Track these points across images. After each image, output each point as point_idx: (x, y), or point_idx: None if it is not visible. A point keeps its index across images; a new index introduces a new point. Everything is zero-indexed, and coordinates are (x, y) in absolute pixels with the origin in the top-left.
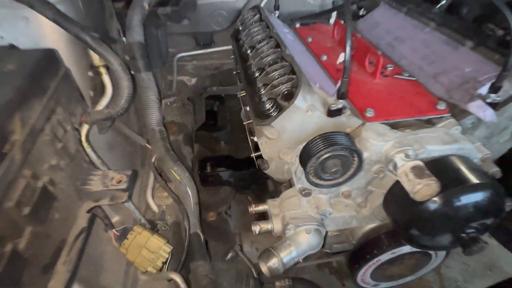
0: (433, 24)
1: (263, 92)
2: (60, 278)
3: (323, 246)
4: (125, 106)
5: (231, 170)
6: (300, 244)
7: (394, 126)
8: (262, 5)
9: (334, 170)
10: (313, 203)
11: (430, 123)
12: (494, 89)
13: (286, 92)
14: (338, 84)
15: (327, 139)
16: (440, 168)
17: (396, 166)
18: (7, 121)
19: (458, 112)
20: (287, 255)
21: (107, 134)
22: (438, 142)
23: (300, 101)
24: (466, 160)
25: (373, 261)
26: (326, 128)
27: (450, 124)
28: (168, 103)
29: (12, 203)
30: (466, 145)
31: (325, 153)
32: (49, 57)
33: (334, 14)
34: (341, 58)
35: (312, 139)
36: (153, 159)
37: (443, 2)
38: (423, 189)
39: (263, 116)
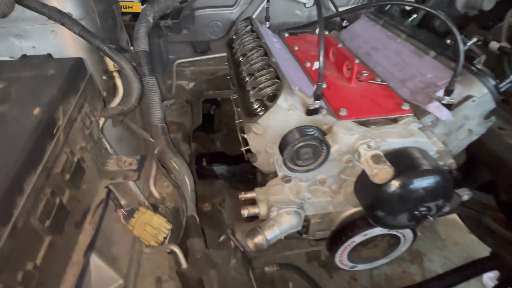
0: (404, 36)
1: (251, 94)
2: (87, 233)
3: (307, 233)
4: (135, 104)
5: (224, 165)
6: (282, 223)
7: (364, 124)
8: (254, 16)
9: (306, 157)
10: (294, 189)
11: (395, 121)
12: (448, 92)
13: (271, 94)
14: (315, 88)
15: (301, 131)
16: (398, 157)
17: (360, 155)
18: (55, 111)
19: (419, 112)
20: (270, 233)
21: (117, 129)
22: (397, 136)
23: (282, 101)
24: (420, 151)
25: (348, 242)
26: (305, 125)
27: (409, 121)
28: (168, 105)
29: (58, 170)
30: (421, 139)
31: (299, 142)
32: (79, 64)
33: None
34: (316, 65)
35: (289, 131)
36: (155, 151)
37: (414, 16)
38: (380, 172)
39: (252, 115)
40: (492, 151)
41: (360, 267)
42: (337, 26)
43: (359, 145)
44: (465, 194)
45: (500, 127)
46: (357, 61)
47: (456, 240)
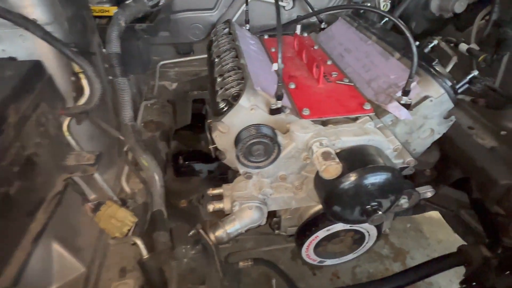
0: (374, 38)
1: (219, 94)
2: (39, 222)
3: (279, 228)
4: (97, 103)
5: (200, 162)
6: (243, 218)
7: (325, 123)
8: (234, 19)
9: (257, 153)
10: (257, 185)
11: (356, 120)
12: (405, 92)
13: (235, 94)
14: (276, 88)
15: (253, 129)
16: (350, 154)
17: (312, 152)
18: (5, 109)
19: (380, 112)
20: (231, 227)
21: (89, 127)
22: (351, 134)
23: (245, 101)
24: (374, 149)
25: (312, 237)
26: (269, 124)
27: (365, 120)
28: (149, 104)
29: (6, 162)
30: (376, 137)
31: (250, 139)
32: (37, 66)
33: (298, 27)
34: (274, 66)
35: (242, 128)
36: (125, 148)
37: (386, 19)
38: (328, 168)
39: (218, 114)
40: (462, 150)
41: (328, 262)
42: (317, 28)
43: (312, 143)
44: (428, 191)
45: (470, 126)
46: (329, 62)
47: (440, 239)
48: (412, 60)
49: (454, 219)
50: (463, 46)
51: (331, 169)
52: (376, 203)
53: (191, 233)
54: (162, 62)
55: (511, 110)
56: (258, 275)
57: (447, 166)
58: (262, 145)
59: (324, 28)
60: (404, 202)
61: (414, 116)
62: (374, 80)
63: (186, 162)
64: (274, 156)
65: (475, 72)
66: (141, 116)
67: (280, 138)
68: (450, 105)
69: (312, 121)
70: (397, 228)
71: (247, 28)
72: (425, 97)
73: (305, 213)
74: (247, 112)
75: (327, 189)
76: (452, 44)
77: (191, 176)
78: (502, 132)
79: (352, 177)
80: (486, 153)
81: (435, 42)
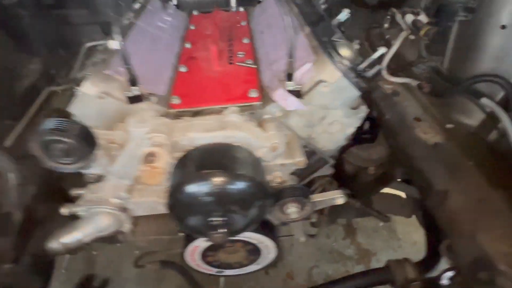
0: (296, 10)
1: None
2: None
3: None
4: None
5: None
6: (86, 226)
7: (199, 114)
8: None
9: (57, 152)
10: (115, 187)
11: (244, 110)
12: (288, 76)
13: (81, 79)
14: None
15: (51, 122)
16: (197, 155)
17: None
18: None
19: (267, 100)
20: (69, 237)
21: None
22: (202, 129)
23: (88, 87)
24: (233, 148)
25: (192, 246)
26: (128, 114)
27: (231, 111)
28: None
29: None
30: (237, 134)
31: (43, 135)
32: None
33: (233, 0)
34: (113, 44)
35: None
36: None
37: None
38: (146, 173)
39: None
40: (402, 146)
41: (227, 272)
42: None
43: (146, 140)
44: (338, 198)
45: (417, 117)
46: (246, 41)
47: (414, 240)
48: (288, 33)
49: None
50: (409, 18)
51: (149, 175)
52: (218, 218)
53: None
54: (88, 44)
55: (459, 99)
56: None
57: (391, 164)
58: (62, 144)
59: (260, 1)
60: (293, 212)
61: (309, 105)
62: (276, 62)
63: None
64: (85, 159)
65: (383, 50)
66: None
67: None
68: (354, 92)
69: (182, 111)
70: (368, 226)
71: (175, 3)
72: (320, 82)
73: None
74: (95, 101)
75: (168, 197)
76: (389, 17)
77: None
78: (448, 125)
79: (180, 185)
80: (427, 151)
81: (347, 12)
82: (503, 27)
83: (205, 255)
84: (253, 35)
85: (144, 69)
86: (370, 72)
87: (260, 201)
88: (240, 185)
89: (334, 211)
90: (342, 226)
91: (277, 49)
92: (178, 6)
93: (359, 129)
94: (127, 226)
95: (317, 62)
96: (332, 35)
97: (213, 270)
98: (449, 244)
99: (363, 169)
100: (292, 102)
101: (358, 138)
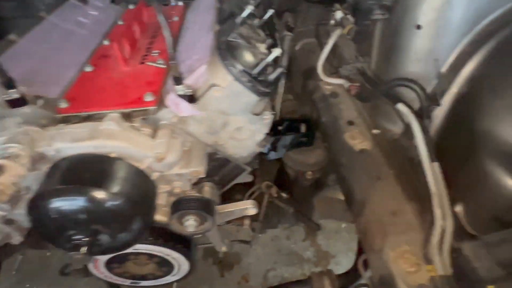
0: (217, 5)
1: None
2: None
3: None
4: None
5: None
6: None
7: (89, 119)
8: None
9: None
10: None
11: (128, 116)
12: (176, 80)
13: None
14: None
15: None
16: (63, 168)
17: None
18: None
19: (160, 105)
20: None
21: None
22: (69, 139)
23: None
24: (107, 160)
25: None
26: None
27: (111, 117)
28: None
29: None
30: (108, 143)
31: None
32: None
33: None
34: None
35: None
36: None
37: None
38: None
39: None
40: (332, 152)
41: (144, 283)
42: None
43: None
44: (249, 208)
45: (351, 121)
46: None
47: None
48: (163, 31)
49: None
50: (338, 15)
51: None
52: (81, 236)
53: None
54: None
55: (384, 104)
56: None
57: (324, 170)
58: None
59: None
60: (191, 225)
61: (205, 111)
62: (183, 62)
63: None
64: None
65: (277, 51)
66: None
67: None
68: (252, 96)
69: (69, 116)
70: (329, 228)
71: None
72: (212, 86)
73: None
74: None
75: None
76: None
77: None
78: (374, 131)
79: (34, 199)
80: (353, 157)
81: (251, 6)
82: (418, 27)
83: (111, 267)
84: (180, 32)
85: (38, 69)
86: (273, 75)
87: (129, 219)
88: (100, 202)
89: (269, 217)
90: (303, 227)
91: (187, 49)
92: (113, 0)
93: (296, 131)
94: (17, 238)
95: (210, 65)
96: (229, 35)
97: (127, 282)
98: (365, 259)
99: (301, 174)
100: (184, 108)
101: (296, 141)
